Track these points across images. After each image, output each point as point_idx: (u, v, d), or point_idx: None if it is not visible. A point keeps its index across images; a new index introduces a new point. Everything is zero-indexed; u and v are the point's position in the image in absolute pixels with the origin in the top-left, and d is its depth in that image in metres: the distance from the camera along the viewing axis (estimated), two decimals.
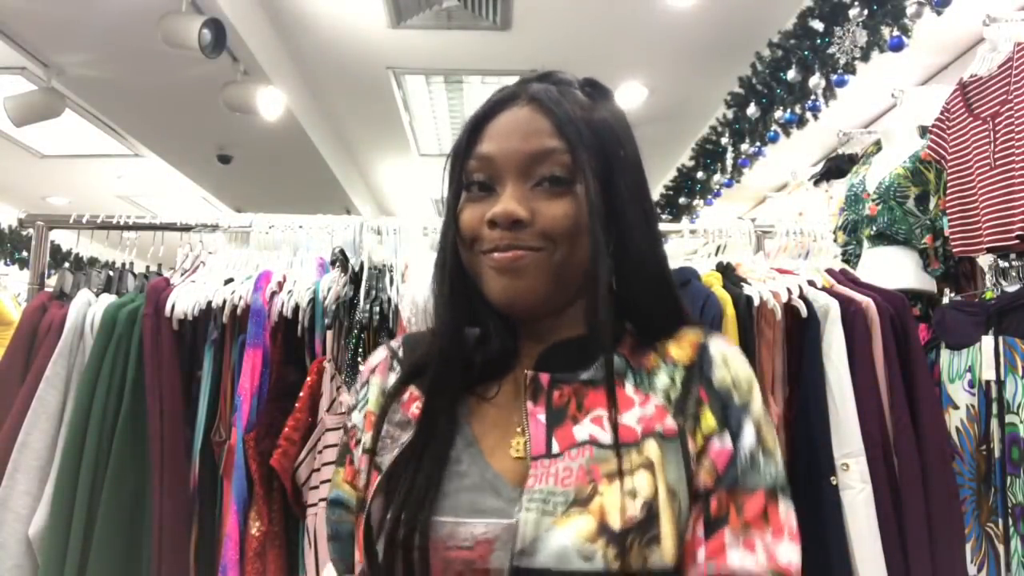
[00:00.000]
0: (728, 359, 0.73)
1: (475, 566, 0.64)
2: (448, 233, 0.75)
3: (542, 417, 0.71)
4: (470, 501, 0.67)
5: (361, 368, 0.93)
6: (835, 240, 2.35)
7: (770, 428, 0.71)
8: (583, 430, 0.69)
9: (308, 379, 1.50)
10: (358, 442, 0.78)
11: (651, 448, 0.67)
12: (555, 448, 0.68)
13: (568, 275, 0.71)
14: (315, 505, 1.44)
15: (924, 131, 2.16)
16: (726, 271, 1.63)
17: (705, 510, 0.67)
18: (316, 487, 1.45)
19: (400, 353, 0.81)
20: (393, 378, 0.79)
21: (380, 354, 0.83)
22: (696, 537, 0.66)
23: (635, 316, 0.76)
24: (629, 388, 0.72)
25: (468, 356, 0.74)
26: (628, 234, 0.72)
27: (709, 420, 0.69)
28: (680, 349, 0.74)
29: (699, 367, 0.72)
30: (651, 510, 0.63)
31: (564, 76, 0.76)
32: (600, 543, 0.61)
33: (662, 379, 0.72)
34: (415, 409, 0.73)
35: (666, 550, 0.63)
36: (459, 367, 0.73)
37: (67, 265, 2.90)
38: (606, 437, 0.67)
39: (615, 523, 0.62)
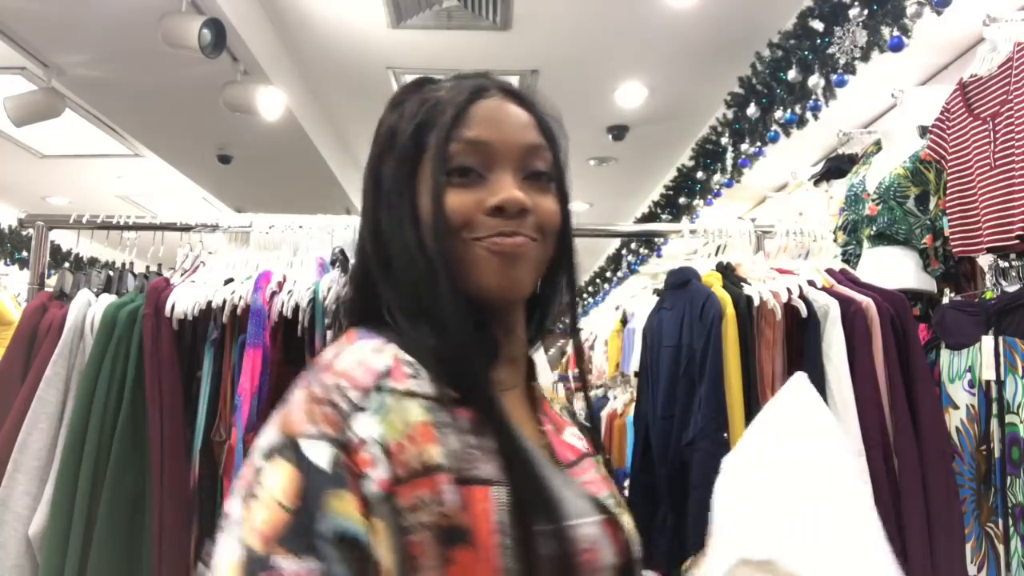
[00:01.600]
0: None
1: (594, 566, 0.63)
2: (433, 220, 0.66)
3: (550, 427, 0.74)
4: (571, 501, 0.65)
5: None
6: (835, 240, 2.35)
7: None
8: (575, 440, 0.75)
9: None
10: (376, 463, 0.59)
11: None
12: (570, 456, 0.73)
13: (540, 271, 0.72)
14: None
15: (924, 131, 2.16)
16: (726, 271, 1.64)
17: None
18: None
19: (407, 356, 0.65)
20: (416, 384, 0.63)
21: (383, 360, 0.64)
22: None
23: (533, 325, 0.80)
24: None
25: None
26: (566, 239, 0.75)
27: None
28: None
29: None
30: None
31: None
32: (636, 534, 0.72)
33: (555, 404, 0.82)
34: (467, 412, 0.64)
35: None
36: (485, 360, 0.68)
37: (67, 265, 2.90)
38: (584, 447, 0.77)
39: (631, 519, 0.72)
